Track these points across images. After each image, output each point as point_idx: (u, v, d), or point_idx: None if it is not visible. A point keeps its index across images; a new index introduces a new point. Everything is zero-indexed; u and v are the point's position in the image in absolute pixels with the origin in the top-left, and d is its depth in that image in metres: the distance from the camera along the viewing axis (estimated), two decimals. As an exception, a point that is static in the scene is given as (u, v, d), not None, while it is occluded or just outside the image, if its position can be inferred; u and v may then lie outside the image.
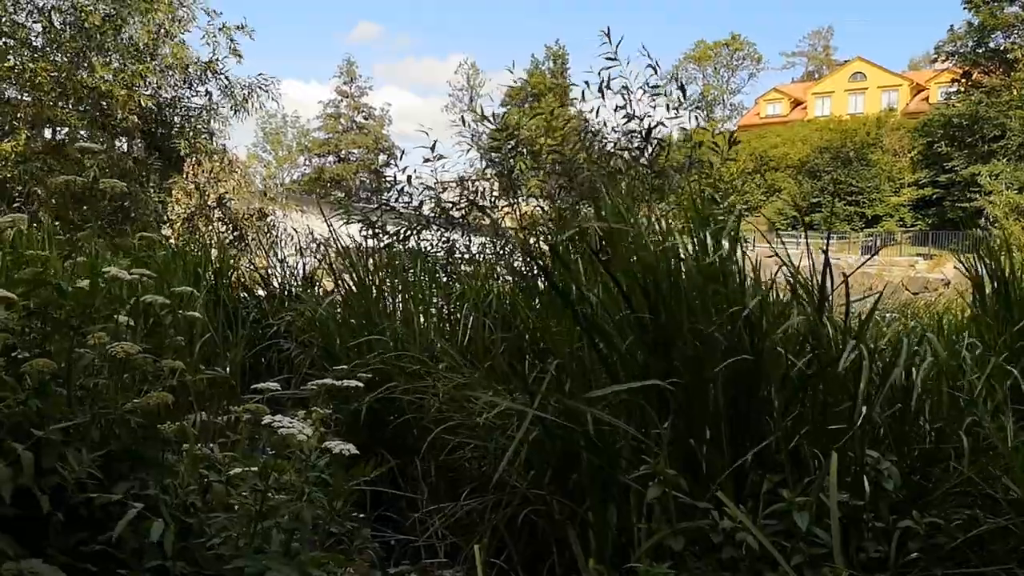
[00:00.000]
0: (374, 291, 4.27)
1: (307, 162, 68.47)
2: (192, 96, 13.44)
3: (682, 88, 6.31)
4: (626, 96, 6.13)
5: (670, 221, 3.19)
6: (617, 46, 5.96)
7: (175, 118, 13.05)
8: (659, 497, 2.25)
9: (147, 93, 11.95)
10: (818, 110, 55.78)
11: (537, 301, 4.00)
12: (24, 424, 1.71)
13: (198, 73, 13.26)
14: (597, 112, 6.50)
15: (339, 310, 4.42)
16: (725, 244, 2.80)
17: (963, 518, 2.32)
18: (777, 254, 2.85)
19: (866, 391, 2.42)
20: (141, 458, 1.90)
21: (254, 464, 1.86)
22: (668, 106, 6.37)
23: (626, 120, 6.16)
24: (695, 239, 2.79)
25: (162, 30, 12.54)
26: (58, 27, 11.48)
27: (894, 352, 2.67)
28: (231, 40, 13.39)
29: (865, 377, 2.35)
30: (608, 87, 6.15)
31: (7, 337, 1.81)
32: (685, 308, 2.60)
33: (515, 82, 51.62)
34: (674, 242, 2.80)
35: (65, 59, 11.26)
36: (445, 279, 5.32)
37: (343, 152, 66.79)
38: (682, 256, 2.74)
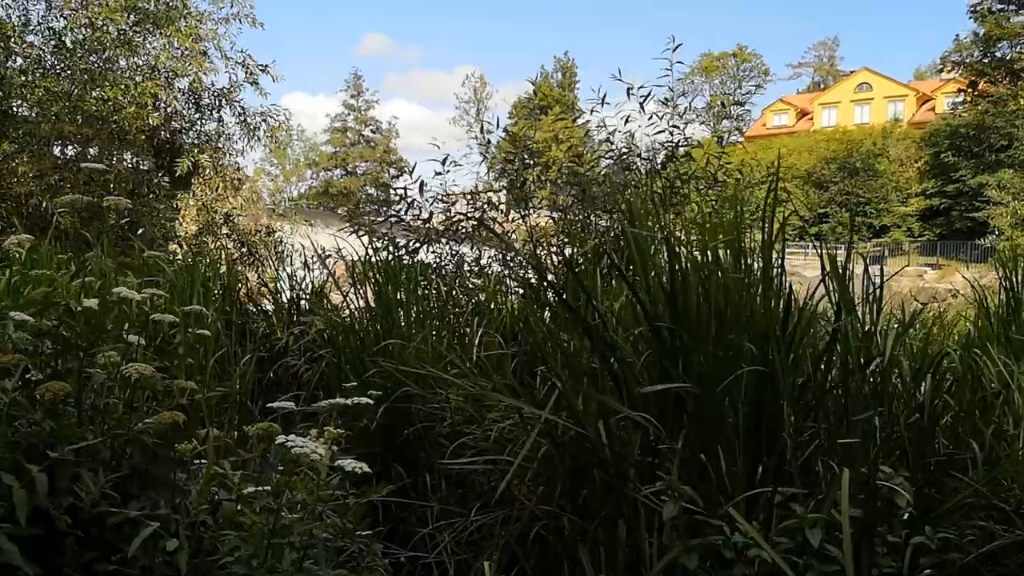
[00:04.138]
0: (391, 302, 4.25)
1: (314, 176, 68.74)
2: (205, 121, 13.42)
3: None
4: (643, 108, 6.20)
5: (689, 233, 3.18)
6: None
7: (184, 139, 13.05)
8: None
9: (156, 113, 11.96)
10: (824, 120, 55.83)
11: (548, 314, 4.00)
12: (39, 445, 1.73)
13: (213, 100, 13.27)
14: (618, 130, 6.56)
15: (351, 322, 4.41)
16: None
17: (977, 531, 2.31)
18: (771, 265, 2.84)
19: (886, 404, 2.43)
20: (152, 477, 1.91)
21: (266, 483, 1.87)
22: (675, 116, 6.41)
23: (656, 132, 6.23)
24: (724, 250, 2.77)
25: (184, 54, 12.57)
26: (69, 46, 11.57)
27: (913, 364, 2.67)
28: (251, 75, 13.35)
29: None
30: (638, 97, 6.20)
31: (22, 359, 1.83)
32: (712, 318, 2.59)
33: (525, 93, 51.87)
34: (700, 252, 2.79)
35: (73, 76, 11.33)
36: (455, 292, 5.32)
37: (351, 165, 67.06)
38: (715, 266, 2.72)
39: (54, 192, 10.50)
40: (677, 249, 2.75)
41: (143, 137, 11.73)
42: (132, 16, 11.99)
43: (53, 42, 11.74)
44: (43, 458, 1.70)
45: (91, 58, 11.42)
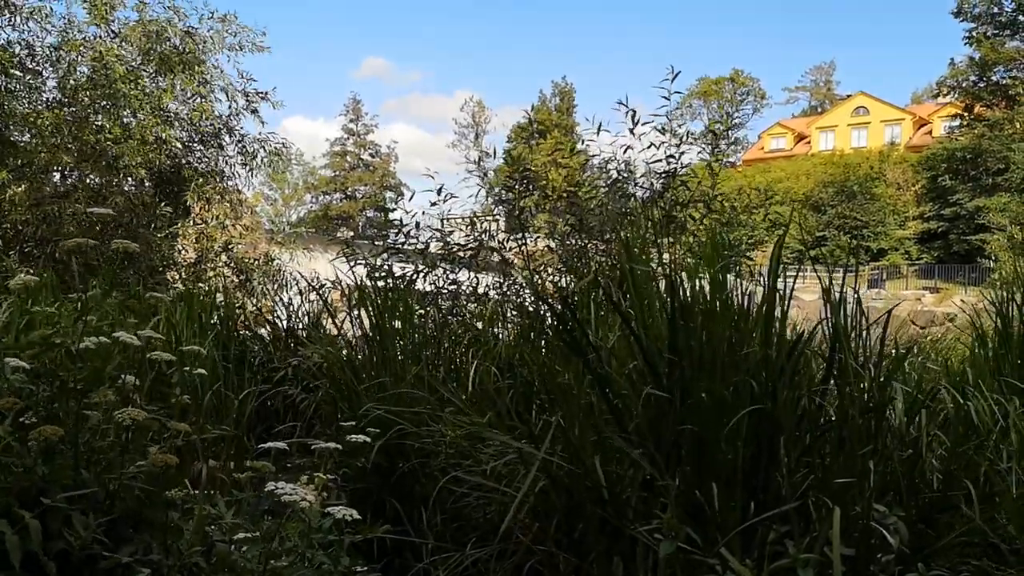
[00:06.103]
0: (386, 336, 4.24)
1: (314, 199, 68.91)
2: (206, 149, 13.42)
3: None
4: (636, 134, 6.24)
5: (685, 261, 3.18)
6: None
7: (183, 172, 13.05)
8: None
9: (157, 151, 11.97)
10: (821, 144, 56.04)
11: (544, 344, 4.00)
12: (31, 489, 1.72)
13: (215, 129, 13.29)
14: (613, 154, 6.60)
15: (347, 357, 4.41)
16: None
17: (971, 569, 2.31)
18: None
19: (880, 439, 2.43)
20: (145, 520, 1.90)
21: (259, 525, 1.86)
22: (671, 145, 6.45)
23: (653, 161, 6.26)
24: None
25: (187, 94, 12.60)
26: (73, 81, 11.61)
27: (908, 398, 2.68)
28: (251, 103, 13.37)
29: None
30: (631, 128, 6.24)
31: (17, 402, 1.83)
32: (713, 354, 2.60)
33: (523, 118, 52.17)
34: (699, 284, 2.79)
35: (75, 109, 11.39)
36: (451, 321, 5.32)
37: (350, 189, 67.27)
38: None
39: (50, 221, 10.53)
40: (677, 282, 2.75)
41: (143, 172, 11.78)
42: (141, 58, 12.11)
43: (60, 72, 11.80)
44: (36, 503, 1.69)
45: (94, 93, 11.47)
